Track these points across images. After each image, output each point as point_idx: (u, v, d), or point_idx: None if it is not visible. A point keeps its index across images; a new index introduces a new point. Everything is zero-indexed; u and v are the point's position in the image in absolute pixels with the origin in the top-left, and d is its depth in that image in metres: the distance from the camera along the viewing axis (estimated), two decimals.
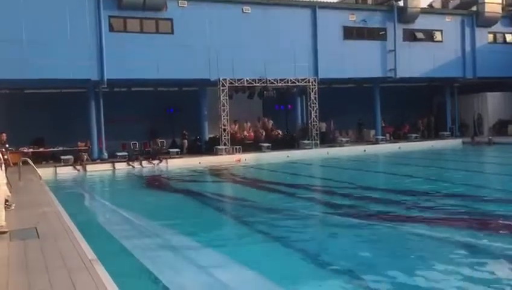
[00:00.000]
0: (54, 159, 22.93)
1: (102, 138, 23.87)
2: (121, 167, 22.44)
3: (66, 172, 21.19)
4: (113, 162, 22.67)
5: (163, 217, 11.58)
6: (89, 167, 21.94)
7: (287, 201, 13.29)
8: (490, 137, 29.76)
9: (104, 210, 13.31)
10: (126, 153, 23.80)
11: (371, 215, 10.61)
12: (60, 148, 23.28)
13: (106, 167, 22.38)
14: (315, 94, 26.61)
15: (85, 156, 22.72)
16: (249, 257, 7.90)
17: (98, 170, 21.88)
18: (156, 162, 23.15)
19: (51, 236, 7.54)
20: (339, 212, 11.30)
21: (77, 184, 19.25)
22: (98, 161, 23.22)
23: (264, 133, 27.49)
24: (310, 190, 15.68)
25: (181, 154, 24.98)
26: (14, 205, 10.44)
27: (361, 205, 11.96)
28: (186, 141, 26.11)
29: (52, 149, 23.58)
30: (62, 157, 22.22)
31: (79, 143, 23.64)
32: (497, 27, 32.11)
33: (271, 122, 28.58)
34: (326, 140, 28.81)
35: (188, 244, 8.85)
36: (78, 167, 21.81)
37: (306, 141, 26.97)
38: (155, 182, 18.85)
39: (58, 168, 21.29)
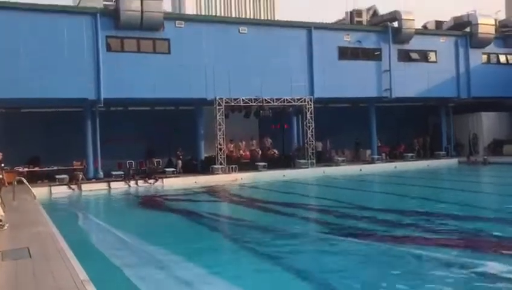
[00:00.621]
0: (49, 178, 22.81)
1: (98, 157, 23.84)
2: (117, 186, 22.34)
3: (61, 191, 21.06)
4: (108, 182, 22.59)
5: (158, 237, 11.49)
6: (84, 186, 21.83)
7: (283, 221, 13.23)
8: (485, 157, 29.86)
9: (98, 230, 13.21)
10: (122, 173, 23.73)
11: (368, 235, 10.57)
12: (55, 168, 23.18)
13: (101, 186, 22.28)
14: (311, 113, 26.73)
15: (80, 176, 22.63)
16: (246, 280, 7.82)
17: (93, 189, 21.77)
18: (151, 181, 23.08)
19: (43, 256, 7.47)
20: (335, 232, 11.24)
21: (72, 204, 19.15)
22: (94, 180, 23.13)
23: (260, 153, 27.51)
24: (307, 210, 15.64)
25: (176, 173, 24.92)
26: (7, 224, 10.37)
27: (357, 225, 11.92)
28: (180, 161, 25.99)
29: (47, 168, 23.48)
30: (57, 176, 22.12)
31: (74, 162, 23.57)
32: (491, 48, 32.52)
33: (269, 140, 28.62)
34: (323, 159, 28.86)
35: (182, 266, 8.77)
36: (73, 187, 21.70)
37: (302, 161, 26.99)
38: (150, 202, 18.75)
39: (53, 188, 21.16)
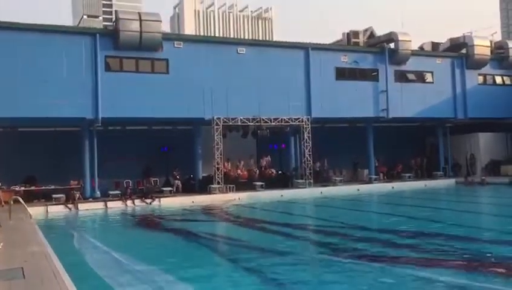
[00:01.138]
0: (46, 197, 22.66)
1: (95, 176, 23.77)
2: (114, 205, 22.22)
3: (57, 211, 20.92)
4: (105, 201, 22.47)
5: (155, 258, 11.37)
6: (81, 206, 21.69)
7: (280, 241, 13.15)
8: (483, 177, 29.88)
9: (94, 251, 13.06)
10: (119, 192, 23.64)
11: (366, 256, 10.51)
12: (52, 187, 23.05)
13: (98, 205, 22.15)
14: (308, 133, 26.80)
15: (77, 195, 22.52)
16: None
17: (90, 208, 21.64)
18: (148, 201, 22.98)
19: (37, 277, 7.38)
20: (333, 253, 11.18)
21: (68, 223, 19.01)
22: (90, 199, 23.02)
23: (257, 172, 27.47)
24: (303, 230, 15.56)
25: (174, 193, 24.82)
26: (1, 244, 10.27)
27: (356, 245, 11.85)
28: (178, 181, 25.85)
29: (44, 188, 23.33)
30: (54, 196, 22.01)
31: (71, 181, 23.46)
32: (487, 69, 32.77)
33: (266, 159, 28.54)
34: (320, 179, 28.80)
35: (180, 288, 8.68)
36: (70, 206, 21.59)
37: (300, 180, 26.95)
38: (147, 222, 18.65)
39: (49, 207, 21.01)
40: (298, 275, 9.41)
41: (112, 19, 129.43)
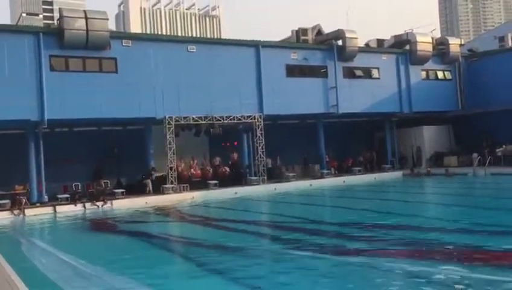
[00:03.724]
0: None
1: (42, 180, 22.89)
2: (63, 209, 21.49)
3: (3, 217, 20.05)
4: (53, 205, 21.71)
5: (108, 261, 11.11)
6: (28, 211, 20.87)
7: (235, 238, 13.20)
8: (429, 169, 31.12)
9: (45, 257, 12.60)
10: (68, 196, 22.90)
11: (320, 249, 10.72)
12: None
13: (47, 210, 21.38)
14: (261, 130, 26.96)
15: (23, 200, 21.62)
16: None
17: (37, 214, 20.85)
18: (99, 203, 22.39)
19: None
20: (288, 247, 11.33)
21: (16, 230, 18.26)
22: (38, 204, 22.16)
23: (211, 171, 27.36)
24: (258, 226, 15.69)
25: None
26: None
27: (311, 239, 12.06)
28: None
29: None
30: None
31: (17, 186, 22.51)
32: (430, 64, 34.10)
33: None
34: (273, 176, 29.03)
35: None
36: (16, 212, 20.72)
37: (253, 177, 27.09)
38: (98, 225, 18.20)
39: None
40: (257, 272, 9.46)
41: (52, 17, 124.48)
